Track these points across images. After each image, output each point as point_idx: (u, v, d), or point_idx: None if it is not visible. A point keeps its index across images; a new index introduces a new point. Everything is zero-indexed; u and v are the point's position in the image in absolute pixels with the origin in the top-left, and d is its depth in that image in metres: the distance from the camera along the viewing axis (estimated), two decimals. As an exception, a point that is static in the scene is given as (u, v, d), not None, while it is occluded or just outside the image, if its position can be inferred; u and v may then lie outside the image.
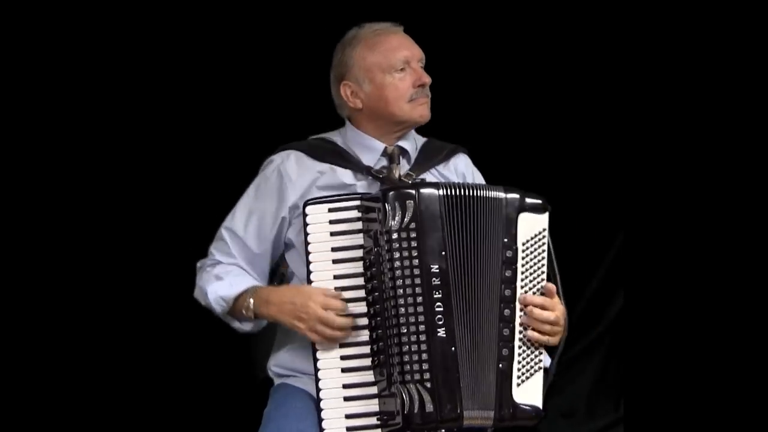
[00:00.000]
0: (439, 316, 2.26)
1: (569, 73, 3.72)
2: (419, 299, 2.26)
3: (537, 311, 2.33)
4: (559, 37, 3.70)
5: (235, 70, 3.59)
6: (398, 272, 2.26)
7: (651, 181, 2.57)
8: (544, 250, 2.38)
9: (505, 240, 2.33)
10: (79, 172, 3.52)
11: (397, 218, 2.27)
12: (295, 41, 3.59)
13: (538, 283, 2.37)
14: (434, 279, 2.27)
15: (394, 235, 2.26)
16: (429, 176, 2.58)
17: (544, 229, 2.38)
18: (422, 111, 2.53)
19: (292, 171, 2.51)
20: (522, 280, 2.35)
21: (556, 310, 2.36)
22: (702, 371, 2.50)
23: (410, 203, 2.28)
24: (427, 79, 2.53)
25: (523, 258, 2.35)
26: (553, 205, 2.43)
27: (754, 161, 2.45)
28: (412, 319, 2.26)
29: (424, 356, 2.25)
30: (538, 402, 2.35)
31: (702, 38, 2.54)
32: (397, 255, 2.26)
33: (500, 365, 2.31)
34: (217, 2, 3.56)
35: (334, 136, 2.61)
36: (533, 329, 2.34)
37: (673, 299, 2.53)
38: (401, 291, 2.26)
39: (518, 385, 2.32)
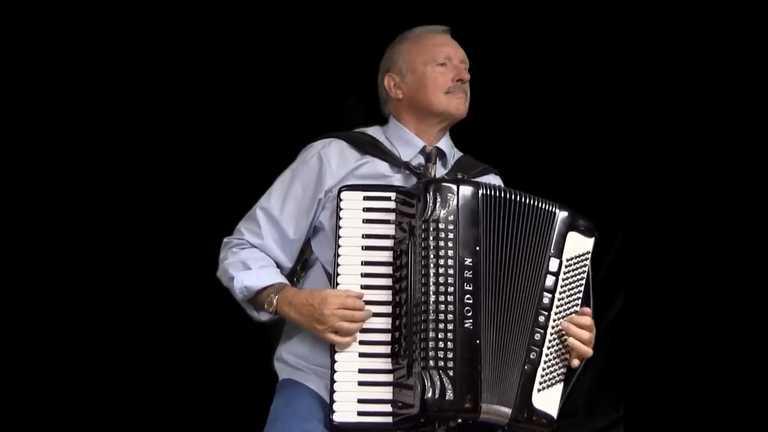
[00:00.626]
0: (468, 308, 2.29)
1: (569, 75, 3.72)
2: (451, 288, 2.29)
3: (574, 329, 2.38)
4: (556, 39, 3.71)
5: (241, 71, 3.59)
6: (433, 260, 2.29)
7: (651, 183, 2.58)
8: (584, 271, 2.44)
9: (552, 251, 2.40)
10: (88, 172, 3.51)
11: (437, 209, 2.31)
12: (304, 44, 3.59)
13: (575, 299, 2.42)
14: (467, 272, 2.31)
15: (433, 225, 2.30)
16: None
17: (588, 252, 2.46)
18: (458, 104, 2.60)
19: (333, 158, 2.54)
20: (561, 293, 2.40)
21: (592, 332, 2.42)
22: (701, 371, 2.50)
23: (451, 197, 2.32)
24: (466, 76, 2.61)
25: (565, 273, 2.41)
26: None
27: (754, 162, 2.46)
28: (441, 307, 2.28)
29: (450, 345, 2.27)
30: (554, 412, 2.37)
31: (702, 40, 2.54)
32: (433, 244, 2.30)
33: (526, 367, 2.34)
34: (225, 4, 3.56)
35: (374, 132, 2.66)
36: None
37: (673, 299, 2.54)
38: (434, 279, 2.29)
39: (539, 390, 2.35)
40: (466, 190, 2.34)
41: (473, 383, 2.27)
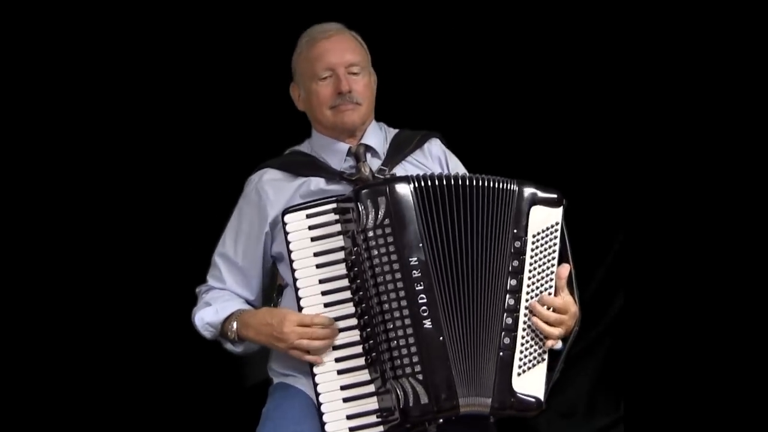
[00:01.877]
0: (424, 307, 2.28)
1: (570, 73, 3.72)
2: (401, 293, 2.28)
3: (540, 309, 2.33)
4: (559, 36, 3.71)
5: (234, 80, 3.59)
6: (378, 269, 2.28)
7: (651, 182, 2.57)
8: (555, 243, 2.38)
9: (515, 231, 2.34)
10: (78, 179, 3.50)
11: (371, 216, 2.29)
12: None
13: (548, 275, 2.37)
14: (414, 271, 2.28)
15: (370, 233, 2.28)
16: (406, 166, 2.59)
17: (557, 223, 2.39)
18: (345, 117, 2.55)
19: (270, 188, 2.56)
20: (530, 271, 2.35)
21: (567, 312, 2.37)
22: (701, 371, 2.50)
23: (382, 199, 2.30)
24: (345, 88, 2.54)
25: (532, 249, 2.36)
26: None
27: (754, 161, 2.46)
28: (396, 314, 2.27)
29: (413, 349, 2.26)
30: (540, 394, 2.34)
31: (702, 38, 2.54)
32: (375, 252, 2.28)
33: (501, 353, 2.31)
34: (216, 6, 3.56)
35: (304, 147, 2.66)
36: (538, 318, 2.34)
37: (673, 299, 2.53)
38: (383, 288, 2.28)
39: (519, 374, 2.33)
40: (396, 189, 2.31)
41: (445, 381, 2.26)
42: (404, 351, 2.27)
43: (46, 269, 3.46)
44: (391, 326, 2.27)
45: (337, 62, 2.55)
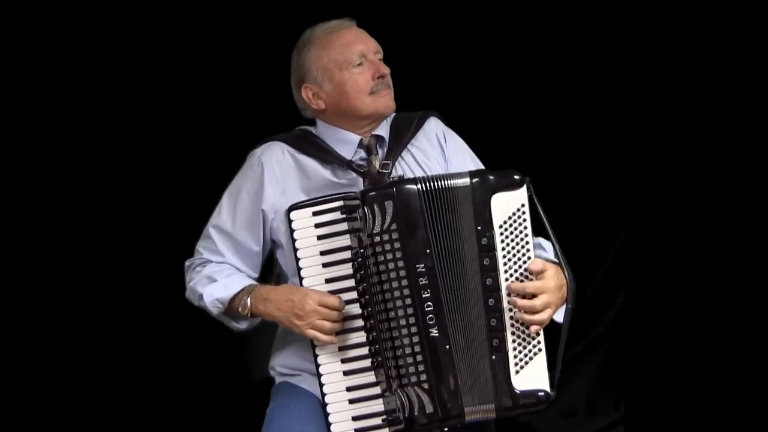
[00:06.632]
0: (430, 315, 2.24)
1: (570, 72, 3.73)
2: (408, 301, 2.24)
3: (521, 302, 2.27)
4: (559, 36, 3.71)
5: (225, 71, 3.59)
6: (384, 276, 2.24)
7: (651, 182, 2.57)
8: (525, 227, 2.31)
9: (479, 227, 2.28)
10: (72, 173, 3.51)
11: (378, 221, 2.24)
12: (283, 41, 3.59)
13: (523, 264, 2.30)
14: (421, 279, 2.24)
15: (377, 239, 2.24)
16: (407, 158, 2.54)
17: (523, 205, 2.30)
18: (385, 102, 2.49)
19: (275, 163, 2.49)
20: (505, 264, 2.29)
21: (545, 293, 2.29)
22: (702, 371, 2.50)
23: (389, 203, 2.24)
24: (386, 70, 2.49)
25: (502, 241, 2.29)
26: (553, 206, 2.36)
27: (754, 161, 2.46)
28: (403, 322, 2.24)
29: (419, 358, 2.24)
30: (544, 385, 2.30)
31: (702, 38, 2.54)
32: (381, 258, 2.24)
33: (494, 356, 2.27)
34: (214, 2, 3.56)
35: (313, 130, 2.59)
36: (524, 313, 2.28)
37: (674, 299, 2.53)
38: (389, 295, 2.24)
39: (517, 372, 2.28)
40: (404, 191, 2.25)
41: (451, 391, 2.24)
42: (410, 360, 2.24)
43: (49, 263, 3.46)
44: (397, 334, 2.24)
45: (368, 48, 2.50)
